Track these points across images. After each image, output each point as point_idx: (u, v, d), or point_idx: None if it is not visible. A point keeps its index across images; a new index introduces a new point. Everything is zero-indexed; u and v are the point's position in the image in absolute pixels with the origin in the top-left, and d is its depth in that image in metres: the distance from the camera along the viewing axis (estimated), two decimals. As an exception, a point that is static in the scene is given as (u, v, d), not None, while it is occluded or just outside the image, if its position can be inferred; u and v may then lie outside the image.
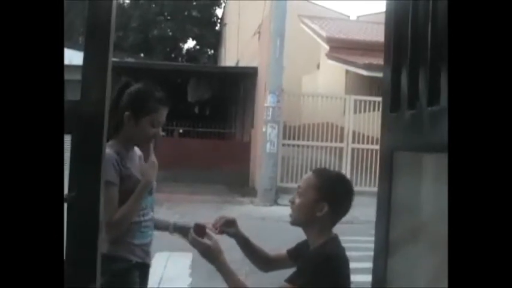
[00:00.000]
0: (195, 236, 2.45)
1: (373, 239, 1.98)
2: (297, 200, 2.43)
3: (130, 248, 2.94)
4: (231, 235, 2.66)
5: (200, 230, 2.50)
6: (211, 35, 39.14)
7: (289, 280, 2.30)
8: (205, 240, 2.43)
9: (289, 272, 2.50)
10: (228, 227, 2.64)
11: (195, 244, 2.45)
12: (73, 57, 7.15)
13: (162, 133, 3.09)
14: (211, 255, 2.41)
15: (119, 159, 2.86)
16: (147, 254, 3.10)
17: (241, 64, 23.21)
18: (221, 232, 2.62)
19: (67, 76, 1.33)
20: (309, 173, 2.51)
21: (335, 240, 2.41)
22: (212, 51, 41.70)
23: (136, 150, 3.11)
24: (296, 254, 2.59)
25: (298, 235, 2.65)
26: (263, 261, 2.75)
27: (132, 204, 2.86)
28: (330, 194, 2.38)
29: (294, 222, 2.47)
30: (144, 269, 3.09)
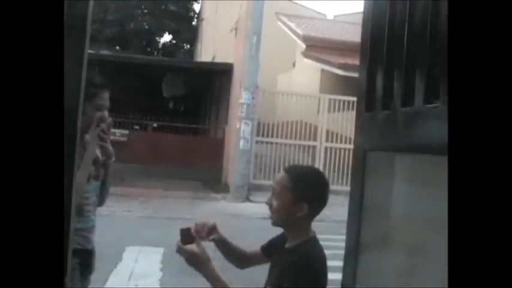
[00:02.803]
0: (181, 245, 2.38)
1: (344, 237, 1.99)
2: (275, 203, 2.37)
3: None
4: (214, 241, 2.60)
5: (187, 236, 2.42)
6: (188, 30, 38.95)
7: (274, 286, 2.27)
8: (193, 248, 2.37)
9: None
10: (211, 233, 2.58)
11: (181, 252, 2.38)
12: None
13: (108, 116, 3.07)
14: (198, 263, 2.35)
15: None
16: (88, 240, 3.08)
17: (217, 60, 23.13)
18: (208, 239, 2.55)
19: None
20: (282, 173, 2.45)
21: (314, 239, 2.40)
22: (188, 46, 41.49)
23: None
24: (270, 250, 2.57)
25: (269, 231, 2.67)
26: (240, 259, 2.72)
27: (82, 172, 2.83)
28: (307, 193, 2.34)
29: (275, 224, 2.42)
30: (85, 255, 3.03)
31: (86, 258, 3.05)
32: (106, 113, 3.05)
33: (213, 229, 2.58)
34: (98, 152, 3.07)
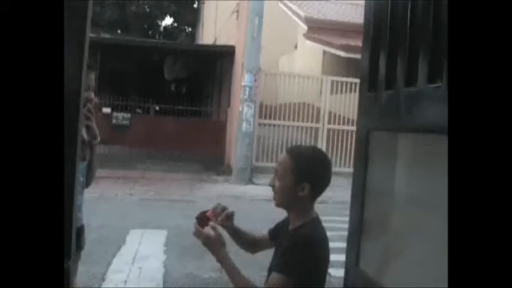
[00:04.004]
0: (198, 227, 2.44)
1: (346, 219, 1.99)
2: (277, 183, 2.39)
3: None
4: (227, 228, 2.64)
5: (204, 219, 2.49)
6: (189, 12, 38.76)
7: (280, 270, 2.27)
8: (209, 231, 2.41)
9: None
10: (228, 220, 2.63)
11: (198, 235, 2.44)
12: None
13: (94, 97, 3.12)
14: (213, 246, 2.39)
15: None
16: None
17: (219, 42, 23.02)
18: (223, 225, 2.58)
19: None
20: (284, 154, 2.45)
21: (317, 220, 2.41)
22: (190, 29, 41.34)
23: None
24: (275, 234, 2.60)
25: (272, 213, 2.67)
26: (250, 244, 2.76)
27: None
28: (309, 173, 2.35)
29: (278, 205, 2.44)
30: None
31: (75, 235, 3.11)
32: (92, 94, 3.07)
33: (230, 216, 2.63)
34: (84, 133, 3.08)
